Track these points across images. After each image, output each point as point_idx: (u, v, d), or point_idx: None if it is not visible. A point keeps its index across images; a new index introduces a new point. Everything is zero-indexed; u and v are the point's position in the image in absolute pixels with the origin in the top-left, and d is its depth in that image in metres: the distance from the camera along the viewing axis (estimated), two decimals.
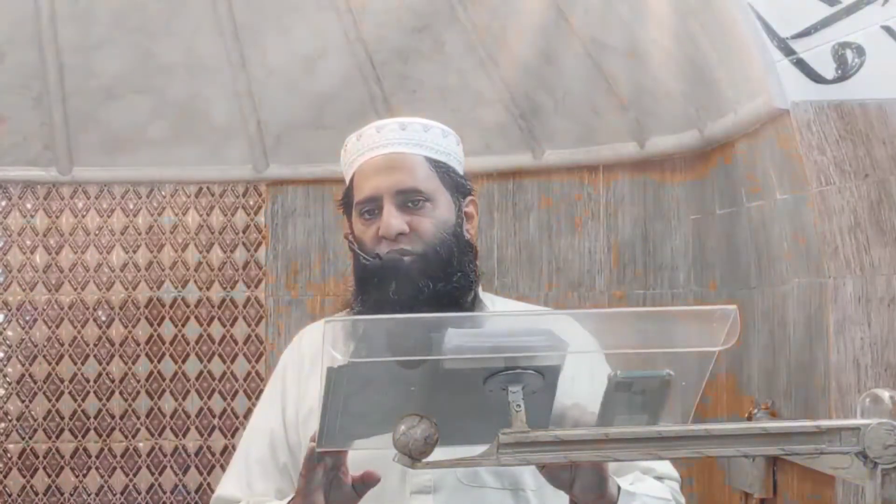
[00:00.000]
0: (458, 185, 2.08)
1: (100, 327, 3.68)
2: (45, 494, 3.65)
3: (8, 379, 3.65)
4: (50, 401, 3.65)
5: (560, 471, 1.75)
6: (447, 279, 1.99)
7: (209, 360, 3.69)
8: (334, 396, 1.52)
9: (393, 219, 1.99)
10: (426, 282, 1.96)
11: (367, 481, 1.78)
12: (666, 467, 2.02)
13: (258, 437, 2.08)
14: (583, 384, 1.67)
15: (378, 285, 1.97)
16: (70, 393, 3.66)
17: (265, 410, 2.11)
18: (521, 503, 1.95)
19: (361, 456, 1.73)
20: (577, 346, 1.55)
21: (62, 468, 3.66)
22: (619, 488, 1.81)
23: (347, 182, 2.11)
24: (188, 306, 3.70)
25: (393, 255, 1.98)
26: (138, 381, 3.68)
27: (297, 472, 1.97)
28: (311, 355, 2.01)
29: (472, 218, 2.11)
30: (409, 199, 2.01)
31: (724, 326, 1.52)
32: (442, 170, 2.06)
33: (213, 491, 3.74)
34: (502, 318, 1.84)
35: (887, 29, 2.37)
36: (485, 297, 2.11)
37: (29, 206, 3.69)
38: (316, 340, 1.68)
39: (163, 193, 3.72)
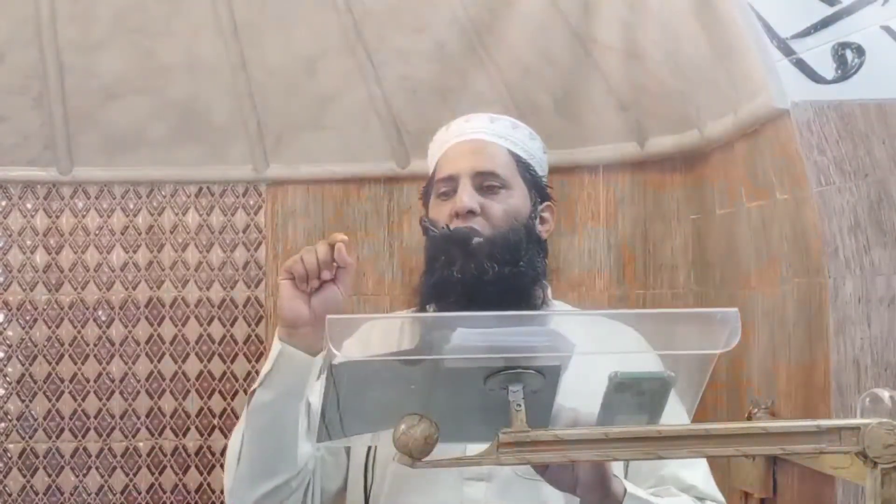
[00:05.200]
0: (538, 186, 2.12)
1: (100, 327, 3.68)
2: (45, 494, 3.65)
3: (8, 379, 3.65)
4: (50, 401, 3.65)
5: (562, 473, 1.74)
6: (513, 263, 2.00)
7: (209, 360, 3.69)
8: (335, 393, 1.52)
9: (466, 196, 2.03)
10: (492, 264, 1.98)
11: (341, 269, 1.86)
12: (710, 489, 2.01)
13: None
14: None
15: (444, 262, 1.99)
16: (70, 393, 3.66)
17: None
18: (571, 500, 1.95)
19: None
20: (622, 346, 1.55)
21: (62, 468, 3.66)
22: (624, 490, 1.81)
23: (432, 170, 2.14)
24: (188, 306, 3.70)
25: (462, 228, 2.00)
26: (138, 381, 3.68)
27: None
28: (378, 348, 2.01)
29: (547, 223, 2.14)
30: (486, 182, 2.06)
31: (725, 329, 1.52)
32: (522, 165, 2.10)
33: (213, 491, 3.75)
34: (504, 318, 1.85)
35: (887, 29, 2.37)
36: (557, 303, 2.12)
37: (29, 206, 3.69)
38: (387, 330, 1.68)
39: (163, 193, 3.72)
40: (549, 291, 2.10)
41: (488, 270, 1.97)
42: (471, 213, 2.02)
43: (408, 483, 1.95)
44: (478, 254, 1.98)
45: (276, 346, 1.93)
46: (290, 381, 1.92)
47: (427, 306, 2.03)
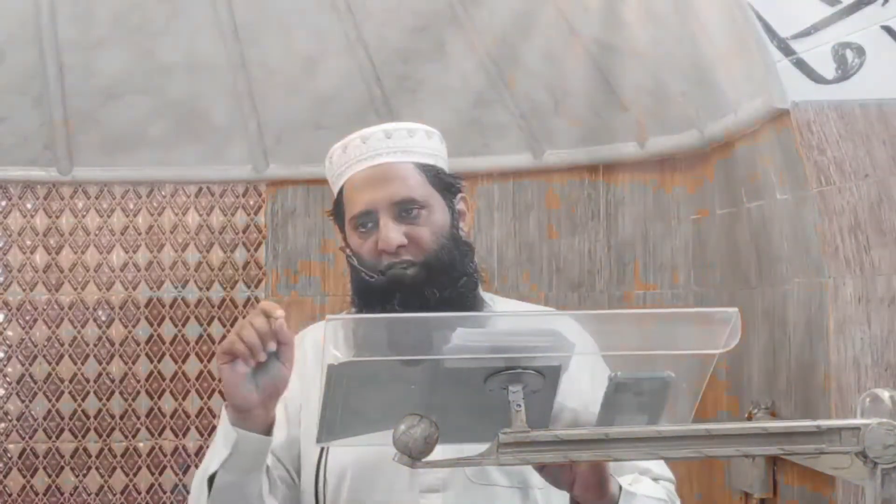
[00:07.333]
0: (448, 185, 2.08)
1: (100, 327, 3.68)
2: (45, 494, 3.65)
3: (8, 379, 3.65)
4: (50, 401, 3.65)
5: (561, 471, 1.75)
6: (452, 285, 1.99)
7: (209, 360, 3.69)
8: (334, 394, 1.52)
9: (392, 232, 1.98)
10: (432, 290, 1.96)
11: (283, 346, 1.84)
12: (662, 469, 2.02)
13: None
14: (583, 384, 1.68)
15: (382, 300, 1.97)
16: (70, 393, 3.66)
17: None
18: (529, 502, 1.95)
19: (364, 455, 1.73)
20: (577, 346, 1.55)
21: (62, 468, 3.66)
22: (620, 488, 1.81)
23: (336, 194, 2.10)
24: (188, 306, 3.70)
25: (396, 270, 1.97)
26: (138, 381, 3.68)
27: (296, 470, 2.00)
28: (312, 355, 2.02)
29: (465, 215, 2.10)
30: (405, 210, 2.00)
31: (724, 329, 1.52)
32: (431, 173, 2.05)
33: None
34: (505, 319, 1.85)
35: (887, 29, 2.37)
36: (485, 296, 2.11)
37: (29, 206, 3.69)
38: (318, 340, 1.69)
39: (163, 193, 3.72)
40: (479, 288, 2.09)
41: (430, 299, 1.96)
42: (400, 247, 1.98)
43: (362, 498, 1.95)
44: (416, 285, 1.96)
45: (230, 432, 1.87)
46: (251, 462, 1.90)
47: None
